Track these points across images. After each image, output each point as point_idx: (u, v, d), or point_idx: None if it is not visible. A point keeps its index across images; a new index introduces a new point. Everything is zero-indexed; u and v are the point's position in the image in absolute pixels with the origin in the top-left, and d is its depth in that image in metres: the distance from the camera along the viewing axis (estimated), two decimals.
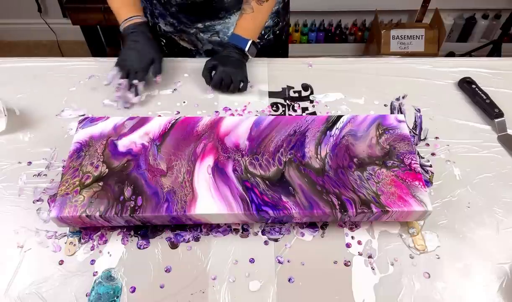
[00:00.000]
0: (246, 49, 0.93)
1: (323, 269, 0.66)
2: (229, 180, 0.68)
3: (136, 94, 0.91)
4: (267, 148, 0.73)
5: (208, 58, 0.94)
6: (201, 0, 0.97)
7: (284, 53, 1.22)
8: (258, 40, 0.99)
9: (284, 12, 1.10)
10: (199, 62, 1.03)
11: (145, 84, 0.93)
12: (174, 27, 1.06)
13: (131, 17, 0.94)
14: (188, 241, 0.69)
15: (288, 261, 0.67)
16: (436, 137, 0.86)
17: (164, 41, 1.12)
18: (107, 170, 0.70)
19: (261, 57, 1.03)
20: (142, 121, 0.77)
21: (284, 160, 0.71)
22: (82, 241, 0.69)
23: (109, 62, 1.03)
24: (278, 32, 1.12)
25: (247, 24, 0.94)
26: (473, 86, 0.94)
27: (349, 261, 0.67)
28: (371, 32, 2.30)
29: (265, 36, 1.10)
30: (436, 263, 0.67)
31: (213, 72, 0.93)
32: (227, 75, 0.91)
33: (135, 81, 0.90)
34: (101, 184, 0.68)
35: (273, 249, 0.69)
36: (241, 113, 0.91)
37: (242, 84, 0.93)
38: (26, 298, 0.63)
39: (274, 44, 1.14)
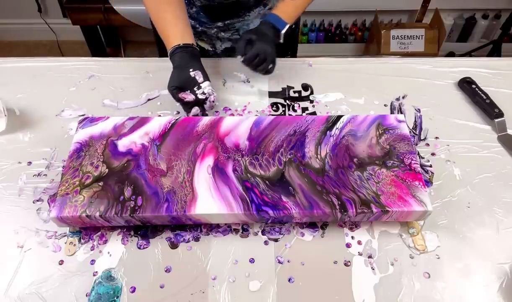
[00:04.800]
0: (283, 31, 0.92)
1: (323, 269, 0.66)
2: (229, 180, 0.68)
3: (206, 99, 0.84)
4: (267, 148, 0.73)
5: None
6: (229, 1, 0.97)
7: (293, 54, 1.22)
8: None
9: None
10: None
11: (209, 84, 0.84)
12: (194, 28, 1.05)
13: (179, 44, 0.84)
14: (188, 241, 0.69)
15: (288, 261, 0.67)
16: (436, 137, 0.86)
17: None
18: (107, 170, 0.70)
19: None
20: (142, 121, 0.77)
21: (284, 160, 0.71)
22: (82, 241, 0.69)
23: (109, 62, 1.04)
24: (293, 27, 1.13)
25: (287, 7, 0.93)
26: (473, 86, 0.94)
27: (349, 261, 0.67)
28: (371, 32, 2.30)
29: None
30: (436, 263, 0.67)
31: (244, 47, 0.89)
32: (263, 52, 0.87)
33: (206, 90, 0.83)
34: (101, 184, 0.68)
35: (273, 249, 0.69)
36: (241, 113, 0.91)
37: (271, 66, 0.90)
38: (26, 298, 0.63)
39: (287, 43, 1.14)
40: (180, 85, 0.81)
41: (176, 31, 0.84)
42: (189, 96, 0.81)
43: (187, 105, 0.83)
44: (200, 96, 0.81)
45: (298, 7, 0.94)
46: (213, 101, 0.83)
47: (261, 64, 0.88)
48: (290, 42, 1.15)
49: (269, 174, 0.69)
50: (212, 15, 1.01)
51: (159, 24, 0.86)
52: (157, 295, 0.63)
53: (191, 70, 0.82)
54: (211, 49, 1.10)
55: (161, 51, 1.18)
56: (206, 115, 0.85)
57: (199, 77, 0.82)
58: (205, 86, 0.82)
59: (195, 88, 0.82)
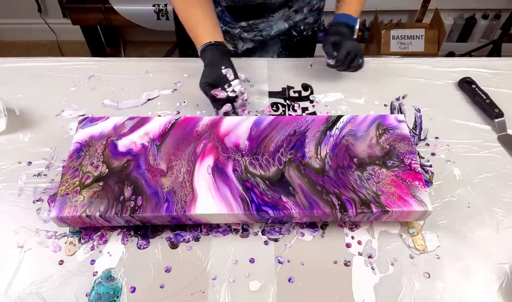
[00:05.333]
0: (357, 26, 0.94)
1: (323, 269, 0.66)
2: (229, 180, 0.68)
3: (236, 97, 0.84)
4: (267, 148, 0.73)
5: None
6: (255, 3, 0.97)
7: (311, 53, 1.23)
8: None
9: (322, 10, 1.12)
10: (199, 62, 1.03)
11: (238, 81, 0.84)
12: None
13: (209, 41, 0.85)
14: (188, 241, 0.69)
15: (288, 261, 0.67)
16: (436, 137, 0.86)
17: None
18: (107, 170, 0.70)
19: (289, 57, 1.06)
20: (142, 121, 0.77)
21: (284, 160, 0.71)
22: (82, 241, 0.69)
23: (109, 62, 1.03)
24: (315, 29, 1.15)
25: (353, 5, 0.95)
26: (473, 86, 0.94)
27: (349, 261, 0.67)
28: (371, 32, 2.30)
29: (304, 33, 1.12)
30: (436, 263, 0.67)
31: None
32: (354, 49, 0.90)
33: (236, 88, 0.83)
34: (101, 184, 0.68)
35: (273, 249, 0.69)
36: (241, 113, 0.91)
37: (361, 61, 0.92)
38: (26, 298, 0.63)
39: (310, 41, 1.16)
40: (212, 82, 0.82)
41: (207, 29, 0.85)
42: (221, 94, 0.82)
43: (218, 102, 0.83)
44: (230, 94, 0.82)
45: (362, 2, 0.96)
46: (246, 100, 0.84)
47: (352, 61, 0.90)
48: (313, 39, 1.18)
49: (269, 174, 0.69)
50: (236, 15, 1.02)
51: (188, 23, 0.87)
52: (157, 295, 0.63)
53: (222, 67, 0.82)
54: (232, 49, 1.10)
55: (182, 52, 1.18)
56: (236, 114, 0.86)
57: (229, 75, 0.82)
58: (235, 84, 0.82)
59: (225, 86, 0.82)
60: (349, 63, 0.90)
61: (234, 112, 0.85)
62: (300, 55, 1.11)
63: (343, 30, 0.93)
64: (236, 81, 0.82)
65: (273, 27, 1.05)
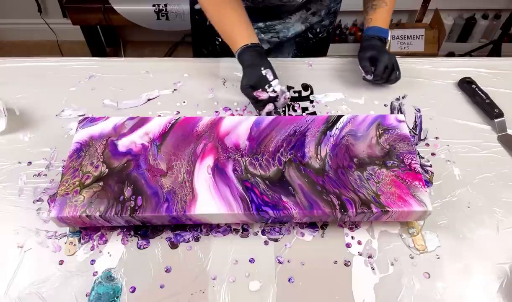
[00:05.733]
0: (389, 39, 0.96)
1: (323, 269, 0.66)
2: (229, 180, 0.68)
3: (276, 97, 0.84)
4: (267, 148, 0.73)
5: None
6: (274, 5, 0.98)
7: (324, 54, 1.24)
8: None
9: (338, 12, 1.13)
10: (199, 62, 1.03)
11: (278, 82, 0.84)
12: None
13: (244, 45, 0.85)
14: (188, 241, 0.69)
15: (288, 261, 0.67)
16: (436, 137, 0.86)
17: (219, 40, 1.11)
18: (107, 170, 0.70)
19: (304, 57, 1.06)
20: (142, 121, 0.77)
21: (284, 160, 0.71)
22: (82, 241, 0.69)
23: (109, 62, 1.03)
24: (330, 31, 1.16)
25: (384, 16, 0.97)
26: (473, 86, 0.94)
27: (349, 261, 0.67)
28: None
29: (320, 35, 1.12)
30: (436, 263, 0.67)
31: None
32: (391, 62, 0.91)
33: (277, 88, 0.83)
34: (101, 184, 0.68)
35: (273, 249, 0.69)
36: (241, 113, 0.91)
37: (398, 73, 0.93)
38: (26, 298, 0.63)
39: (324, 43, 1.17)
40: (253, 84, 0.83)
41: (243, 31, 0.86)
42: (263, 94, 0.82)
43: (260, 103, 0.84)
44: (271, 94, 0.83)
45: (389, 11, 0.97)
46: (288, 98, 0.85)
47: (390, 75, 0.92)
48: (327, 41, 1.19)
49: (269, 174, 0.69)
50: (255, 16, 1.01)
51: (223, 26, 0.88)
52: (157, 295, 0.63)
53: (262, 68, 0.83)
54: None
55: (196, 52, 1.19)
56: (279, 113, 0.87)
57: (269, 75, 0.83)
58: (275, 85, 0.83)
59: (266, 87, 0.83)
60: (387, 77, 0.92)
61: (276, 112, 0.86)
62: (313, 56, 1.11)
63: (377, 43, 0.94)
64: (276, 81, 0.83)
65: (290, 29, 1.06)
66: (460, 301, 0.63)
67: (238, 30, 0.86)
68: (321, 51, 1.21)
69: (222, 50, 1.12)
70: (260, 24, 1.04)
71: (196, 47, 1.19)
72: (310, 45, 1.13)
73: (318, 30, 1.11)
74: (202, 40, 1.15)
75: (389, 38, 0.97)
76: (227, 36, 0.87)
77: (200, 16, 1.09)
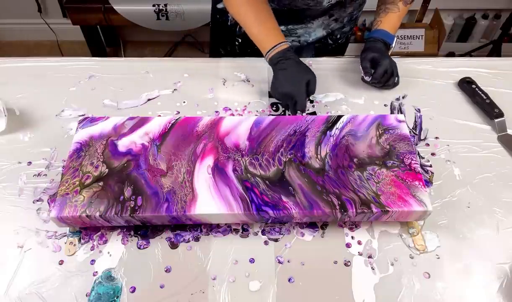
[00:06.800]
0: (393, 45, 0.96)
1: (323, 269, 0.66)
2: (229, 180, 0.68)
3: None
4: (267, 148, 0.73)
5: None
6: (299, 8, 0.98)
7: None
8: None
9: (358, 19, 1.14)
10: (200, 62, 1.03)
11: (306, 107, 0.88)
12: None
13: (277, 45, 0.87)
14: (188, 241, 0.69)
15: (288, 261, 0.67)
16: (436, 137, 0.86)
17: (239, 40, 1.11)
18: (107, 170, 0.70)
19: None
20: (142, 121, 0.77)
21: (284, 160, 0.71)
22: (82, 241, 0.69)
23: (109, 62, 1.03)
24: (349, 37, 1.17)
25: (393, 22, 0.98)
26: (473, 86, 0.94)
27: (349, 261, 0.67)
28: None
29: (339, 41, 1.13)
30: (436, 263, 0.67)
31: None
32: (391, 67, 0.92)
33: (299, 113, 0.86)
34: (101, 184, 0.68)
35: (273, 249, 0.69)
36: (241, 113, 0.91)
37: (397, 79, 0.94)
38: (26, 298, 0.63)
39: (341, 49, 1.19)
40: (291, 92, 0.85)
41: (273, 35, 0.88)
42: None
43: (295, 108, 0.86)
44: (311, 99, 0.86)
45: (400, 17, 0.98)
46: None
47: (388, 80, 0.92)
48: (345, 46, 1.20)
49: (269, 174, 0.69)
50: (278, 19, 1.01)
51: (254, 29, 0.88)
52: (157, 295, 0.63)
53: (299, 76, 0.85)
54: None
55: (213, 52, 1.19)
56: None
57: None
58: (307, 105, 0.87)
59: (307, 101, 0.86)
60: (385, 81, 0.92)
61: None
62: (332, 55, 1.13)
63: (380, 46, 0.94)
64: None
65: (311, 33, 1.06)
66: (460, 301, 0.63)
67: (273, 30, 0.88)
68: (340, 53, 1.21)
69: (240, 51, 1.12)
70: (282, 28, 1.04)
71: (214, 46, 1.19)
72: (328, 51, 1.13)
73: (338, 36, 1.11)
74: (221, 39, 1.14)
75: (393, 45, 0.97)
76: (258, 39, 0.88)
77: (222, 16, 1.08)
